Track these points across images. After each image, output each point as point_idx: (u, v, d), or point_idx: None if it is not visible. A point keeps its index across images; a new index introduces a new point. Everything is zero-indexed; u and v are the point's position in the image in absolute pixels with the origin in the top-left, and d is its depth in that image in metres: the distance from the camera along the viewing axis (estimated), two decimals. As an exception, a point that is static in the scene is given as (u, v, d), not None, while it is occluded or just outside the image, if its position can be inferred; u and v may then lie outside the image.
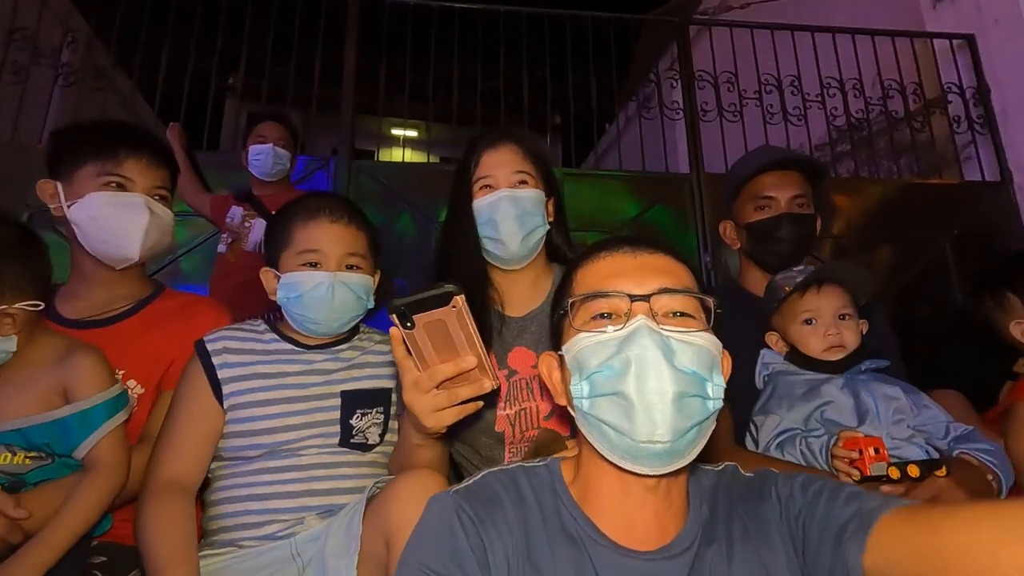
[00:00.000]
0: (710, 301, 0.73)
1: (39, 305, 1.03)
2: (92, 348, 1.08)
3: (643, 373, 0.65)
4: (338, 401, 1.14)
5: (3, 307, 0.98)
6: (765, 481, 0.76)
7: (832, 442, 1.08)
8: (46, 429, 1.00)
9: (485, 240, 1.23)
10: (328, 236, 1.15)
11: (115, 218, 1.17)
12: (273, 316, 1.31)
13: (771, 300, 1.33)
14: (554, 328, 0.80)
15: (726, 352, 0.75)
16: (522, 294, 1.27)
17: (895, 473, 1.02)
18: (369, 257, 1.20)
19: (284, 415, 1.10)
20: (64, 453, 1.02)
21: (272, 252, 1.20)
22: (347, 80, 2.94)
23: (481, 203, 1.21)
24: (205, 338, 1.15)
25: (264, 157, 2.43)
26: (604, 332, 0.69)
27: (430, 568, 0.65)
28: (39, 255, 1.07)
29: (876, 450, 1.01)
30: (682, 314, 0.71)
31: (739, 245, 1.54)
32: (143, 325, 1.24)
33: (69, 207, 1.18)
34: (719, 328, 0.74)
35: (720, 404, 0.69)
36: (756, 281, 1.52)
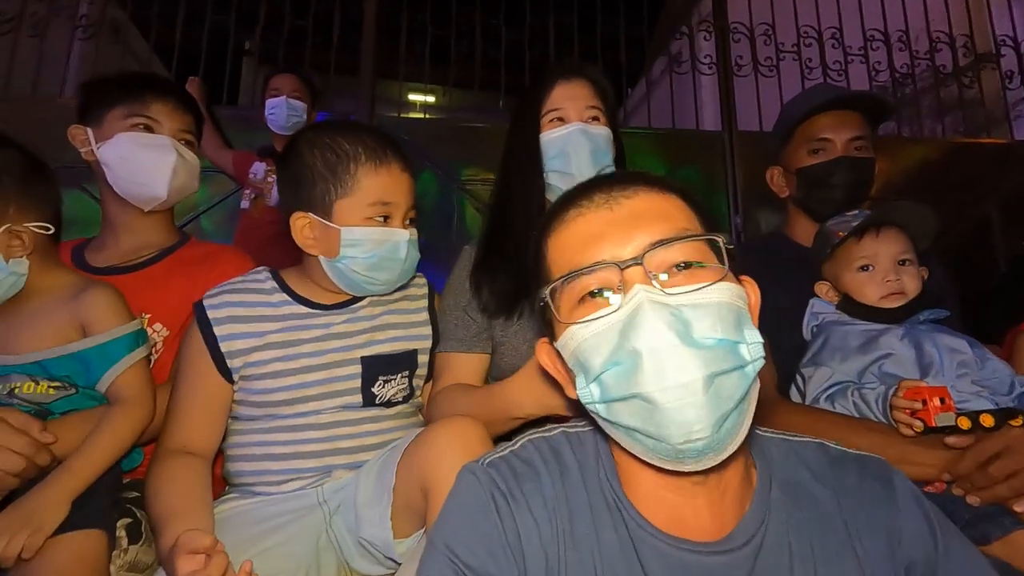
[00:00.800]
0: (720, 239, 0.59)
1: (48, 228, 1.01)
2: (107, 284, 1.05)
3: (659, 366, 0.52)
4: (358, 368, 1.05)
5: (10, 226, 0.95)
6: (886, 482, 0.64)
7: (891, 392, 1.01)
8: (65, 362, 0.98)
9: (552, 175, 1.15)
10: (401, 187, 1.04)
11: (143, 158, 1.18)
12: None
13: (823, 246, 1.25)
14: (540, 317, 0.65)
15: (750, 284, 0.63)
16: None
17: (965, 423, 0.93)
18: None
19: (300, 386, 1.02)
20: (86, 386, 0.99)
21: (307, 193, 1.02)
22: (367, 34, 2.85)
23: (551, 135, 1.14)
24: (205, 301, 1.04)
25: (279, 110, 2.37)
26: (597, 319, 0.56)
27: (457, 556, 0.58)
28: (45, 179, 1.05)
29: (942, 400, 0.94)
30: (687, 265, 0.57)
31: (788, 192, 1.45)
32: (168, 271, 1.23)
33: (99, 148, 1.19)
34: (740, 268, 0.62)
35: (761, 362, 0.57)
36: (804, 231, 1.43)
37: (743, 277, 0.62)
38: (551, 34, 3.08)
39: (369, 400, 1.05)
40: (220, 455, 1.06)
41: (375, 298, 1.12)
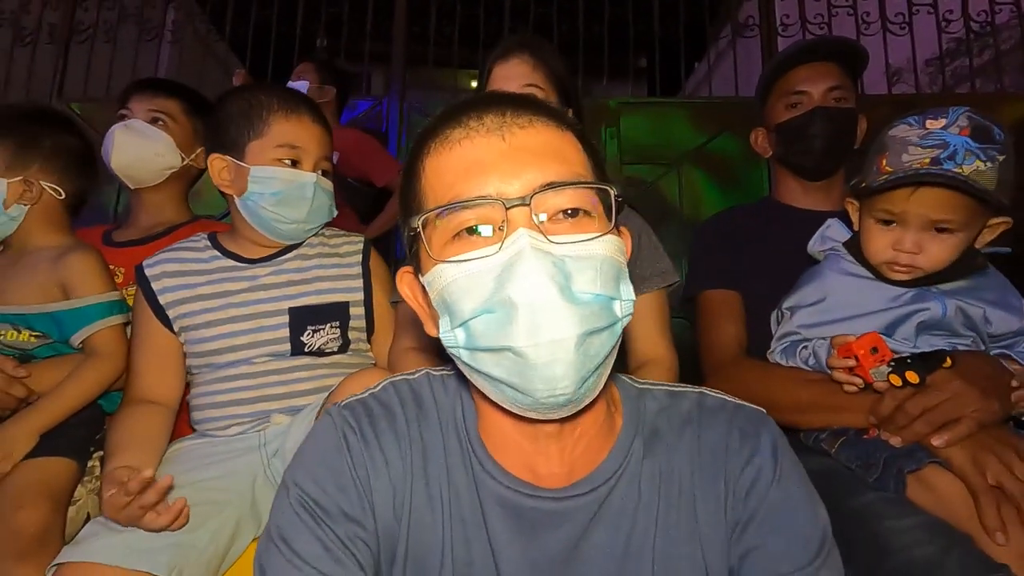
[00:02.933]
0: (611, 190, 0.55)
1: (59, 192, 1.16)
2: (90, 250, 1.17)
3: (534, 321, 0.49)
4: (286, 318, 1.10)
5: (25, 177, 1.11)
6: (750, 444, 0.61)
7: (828, 352, 0.94)
8: (42, 319, 1.11)
9: None
10: (311, 135, 1.13)
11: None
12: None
13: (869, 164, 0.99)
14: (408, 245, 0.60)
15: (627, 236, 0.60)
16: None
17: (896, 381, 0.88)
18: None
19: (231, 335, 1.09)
20: (60, 340, 1.12)
21: (224, 136, 1.11)
22: (398, 20, 2.93)
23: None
24: (144, 263, 1.13)
25: None
26: (473, 259, 0.52)
27: (306, 493, 0.58)
28: (81, 159, 1.21)
29: (875, 349, 0.87)
30: (574, 212, 0.54)
31: (770, 152, 1.36)
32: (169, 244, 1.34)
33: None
34: (625, 219, 0.61)
35: (628, 320, 0.55)
36: (791, 191, 1.35)
37: (621, 229, 0.59)
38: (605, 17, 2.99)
39: (298, 349, 1.10)
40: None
41: (302, 251, 1.18)
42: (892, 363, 0.88)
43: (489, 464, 0.61)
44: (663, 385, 0.68)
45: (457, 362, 0.57)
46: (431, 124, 0.59)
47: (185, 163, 1.41)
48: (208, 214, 2.69)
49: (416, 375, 0.67)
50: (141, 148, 1.35)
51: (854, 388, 0.92)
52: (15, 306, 1.09)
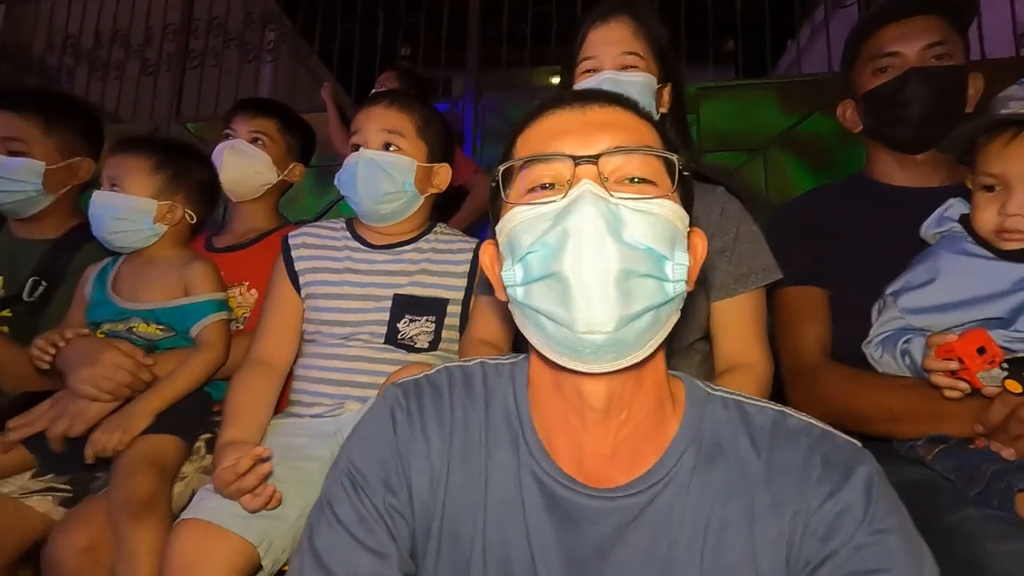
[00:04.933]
0: (676, 160, 0.59)
1: (193, 217, 1.33)
2: (207, 260, 1.33)
3: (581, 247, 0.53)
4: (389, 303, 1.18)
5: (172, 203, 1.28)
6: (836, 476, 0.56)
7: (924, 353, 0.85)
8: (169, 312, 1.26)
9: None
10: (366, 116, 1.19)
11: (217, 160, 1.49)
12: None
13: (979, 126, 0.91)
14: (491, 207, 0.67)
15: (699, 232, 0.63)
16: None
17: (1015, 387, 0.77)
18: (416, 140, 1.20)
19: (341, 311, 1.18)
20: (181, 331, 1.26)
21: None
22: (472, 24, 3.00)
23: (584, 87, 1.08)
24: (289, 234, 1.27)
25: None
26: (541, 203, 0.57)
27: (354, 465, 0.63)
28: (211, 187, 1.40)
29: (982, 349, 0.77)
30: (641, 180, 0.58)
31: (860, 127, 1.25)
32: (262, 249, 1.49)
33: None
34: (690, 199, 0.62)
35: (683, 288, 0.57)
36: (885, 166, 1.23)
37: (694, 228, 0.62)
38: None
39: (392, 336, 1.16)
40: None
41: (419, 245, 1.25)
42: (1006, 364, 0.77)
43: (537, 450, 0.62)
44: (739, 396, 0.65)
45: (513, 307, 0.61)
46: (529, 111, 0.67)
47: (280, 178, 1.54)
48: (302, 219, 2.90)
49: (471, 362, 0.70)
50: (244, 167, 1.48)
51: (957, 394, 0.82)
52: (146, 302, 1.25)
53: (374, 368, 1.15)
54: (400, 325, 1.17)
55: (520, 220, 0.58)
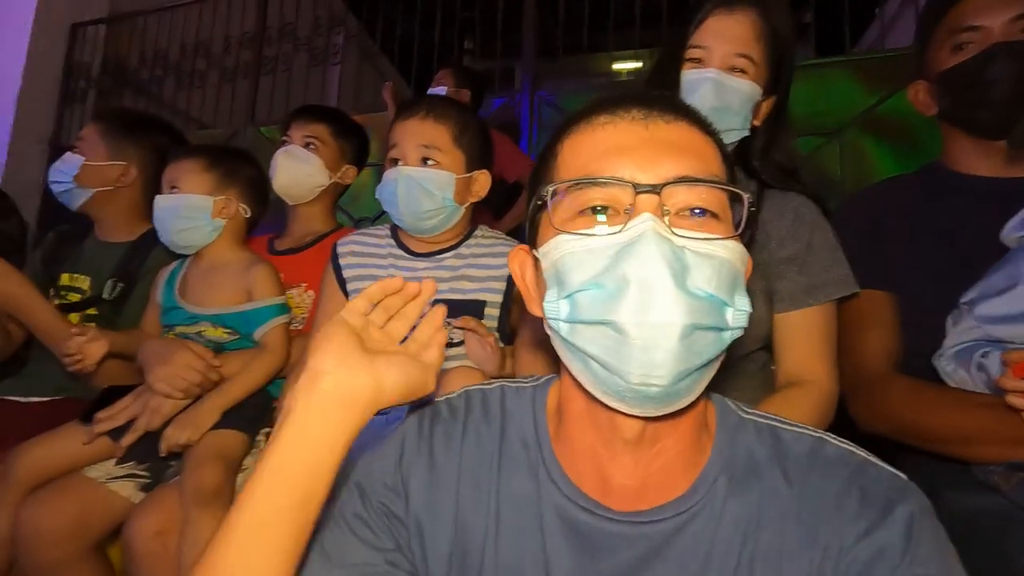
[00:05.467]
0: (744, 197, 0.53)
1: (247, 211, 1.42)
2: (267, 264, 1.40)
3: (643, 298, 0.48)
4: (427, 308, 1.19)
5: (228, 197, 1.38)
6: (874, 512, 0.52)
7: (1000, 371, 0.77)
8: (234, 317, 1.35)
9: None
10: (403, 131, 1.18)
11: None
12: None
13: None
14: (530, 218, 0.61)
15: (748, 258, 0.58)
16: None
17: None
18: (454, 151, 1.18)
19: None
20: (246, 334, 1.35)
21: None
22: (528, 13, 2.98)
23: (684, 77, 1.02)
24: (338, 242, 1.31)
25: None
26: (595, 235, 0.52)
27: (359, 478, 0.63)
28: (262, 185, 1.48)
29: None
30: (703, 212, 0.53)
31: (934, 110, 1.14)
32: (319, 252, 1.55)
33: None
34: (752, 233, 0.56)
35: (739, 333, 0.52)
36: (964, 154, 1.11)
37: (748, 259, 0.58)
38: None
39: None
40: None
41: (460, 251, 1.26)
42: None
43: (557, 474, 0.60)
44: (775, 421, 0.60)
45: (554, 338, 0.57)
46: (579, 109, 0.60)
47: (332, 181, 1.59)
48: (363, 216, 3.00)
49: (492, 385, 0.69)
50: (297, 170, 1.55)
51: None
52: (215, 307, 1.34)
53: None
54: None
55: (569, 251, 0.53)
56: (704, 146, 0.56)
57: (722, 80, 0.99)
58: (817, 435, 0.58)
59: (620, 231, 0.51)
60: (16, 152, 3.55)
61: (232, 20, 3.60)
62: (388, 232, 1.33)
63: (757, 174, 1.09)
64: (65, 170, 1.52)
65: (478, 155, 1.24)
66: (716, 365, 0.54)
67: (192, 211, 1.34)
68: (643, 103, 0.56)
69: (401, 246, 1.29)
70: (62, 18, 3.80)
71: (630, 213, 0.51)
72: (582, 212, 0.54)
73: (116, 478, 1.22)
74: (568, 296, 0.53)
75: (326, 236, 1.59)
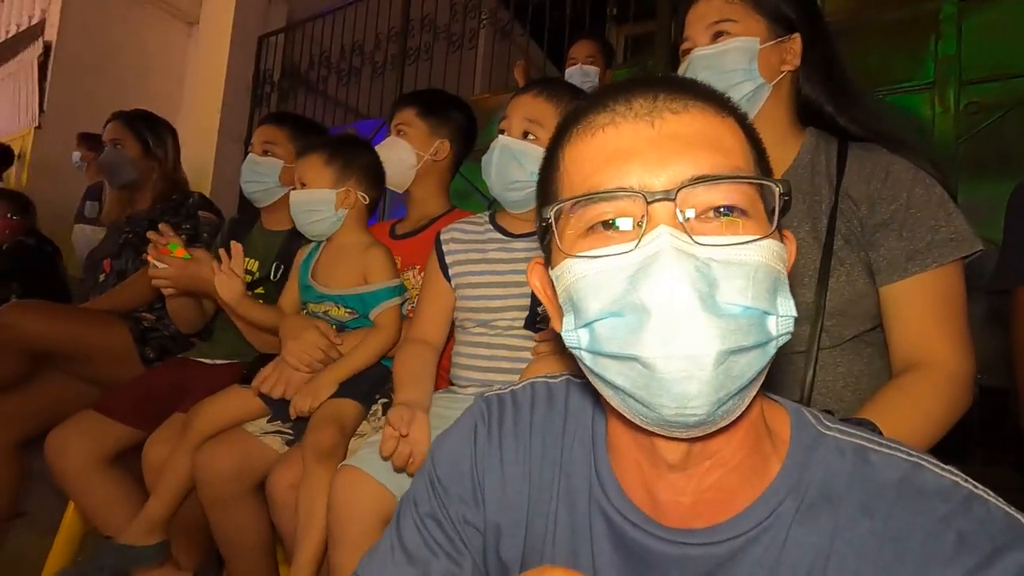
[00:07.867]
0: (778, 187, 0.47)
1: (366, 198, 1.53)
2: (382, 246, 1.52)
3: (667, 331, 0.43)
4: (529, 289, 1.23)
5: (349, 188, 1.49)
6: (973, 559, 0.43)
7: None
8: (353, 299, 1.49)
9: None
10: (514, 104, 1.25)
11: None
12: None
13: None
14: (539, 237, 0.57)
15: (790, 240, 0.51)
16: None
17: None
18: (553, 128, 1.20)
19: (487, 297, 1.27)
20: (363, 314, 1.49)
21: None
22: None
23: (679, 71, 1.06)
24: (441, 230, 1.38)
25: (573, 79, 2.46)
26: (605, 256, 0.46)
27: (435, 469, 0.64)
28: (380, 173, 1.58)
29: None
30: (728, 210, 0.46)
31: None
32: (431, 236, 1.60)
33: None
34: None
35: (788, 337, 0.46)
36: None
37: (785, 232, 0.51)
38: None
39: (531, 321, 1.23)
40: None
41: None
42: None
43: (609, 483, 0.56)
44: (864, 439, 0.52)
45: (580, 362, 0.52)
46: (575, 108, 0.55)
47: (424, 159, 1.63)
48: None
49: (559, 379, 0.66)
50: (388, 157, 1.62)
51: None
52: (338, 288, 1.50)
53: (513, 355, 1.24)
54: (540, 309, 1.22)
55: (580, 276, 0.47)
56: (723, 132, 0.49)
57: (704, 52, 1.00)
58: (914, 459, 0.49)
59: (634, 249, 0.45)
60: (222, 153, 4.28)
61: (381, 18, 3.91)
62: (486, 219, 1.38)
63: (835, 126, 1.00)
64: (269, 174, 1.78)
65: None
66: (763, 375, 0.48)
67: (318, 204, 1.48)
68: (647, 91, 0.50)
69: (499, 228, 1.33)
70: (252, 31, 4.43)
71: (643, 226, 0.46)
72: (591, 229, 0.49)
73: (267, 433, 1.44)
74: (586, 325, 0.48)
75: (438, 219, 1.66)
